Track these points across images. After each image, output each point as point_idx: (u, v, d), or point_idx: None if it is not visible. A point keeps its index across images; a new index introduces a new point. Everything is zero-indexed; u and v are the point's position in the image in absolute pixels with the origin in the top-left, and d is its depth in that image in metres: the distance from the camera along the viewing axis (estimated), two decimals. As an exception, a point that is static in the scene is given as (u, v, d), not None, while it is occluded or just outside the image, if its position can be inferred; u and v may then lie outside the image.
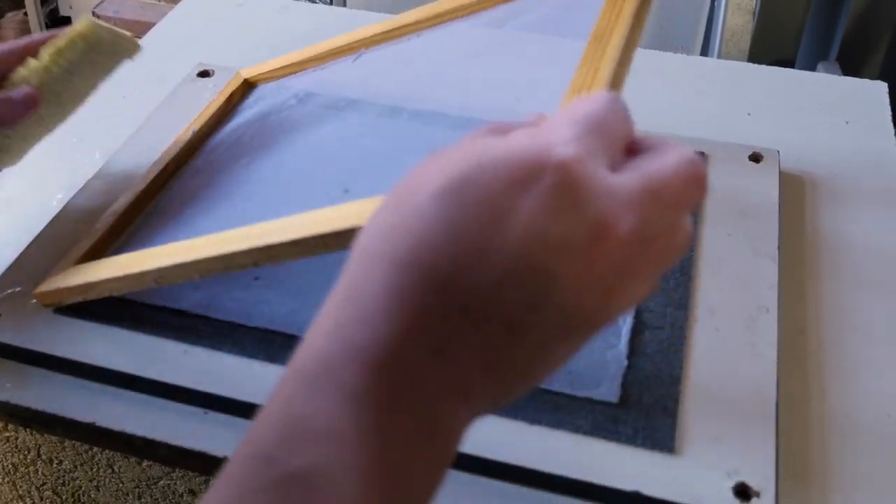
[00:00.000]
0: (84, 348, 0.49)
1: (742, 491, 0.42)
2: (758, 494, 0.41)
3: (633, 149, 0.28)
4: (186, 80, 0.69)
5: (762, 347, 0.48)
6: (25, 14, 1.24)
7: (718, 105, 0.69)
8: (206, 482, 0.51)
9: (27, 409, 0.48)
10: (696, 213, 0.57)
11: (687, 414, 0.45)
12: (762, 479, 0.42)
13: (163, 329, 0.50)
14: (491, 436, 0.44)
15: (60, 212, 0.58)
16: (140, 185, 0.56)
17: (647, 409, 0.45)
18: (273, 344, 0.49)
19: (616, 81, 0.42)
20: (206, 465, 0.46)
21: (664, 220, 0.27)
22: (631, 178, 0.26)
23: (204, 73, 0.70)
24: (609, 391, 0.46)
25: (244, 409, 0.46)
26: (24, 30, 1.24)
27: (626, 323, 0.50)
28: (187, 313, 0.50)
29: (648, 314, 0.50)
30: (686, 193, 0.27)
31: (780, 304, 0.51)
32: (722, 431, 0.45)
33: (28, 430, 0.51)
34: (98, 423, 0.47)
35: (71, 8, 1.36)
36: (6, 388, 0.48)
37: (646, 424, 0.45)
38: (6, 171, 0.58)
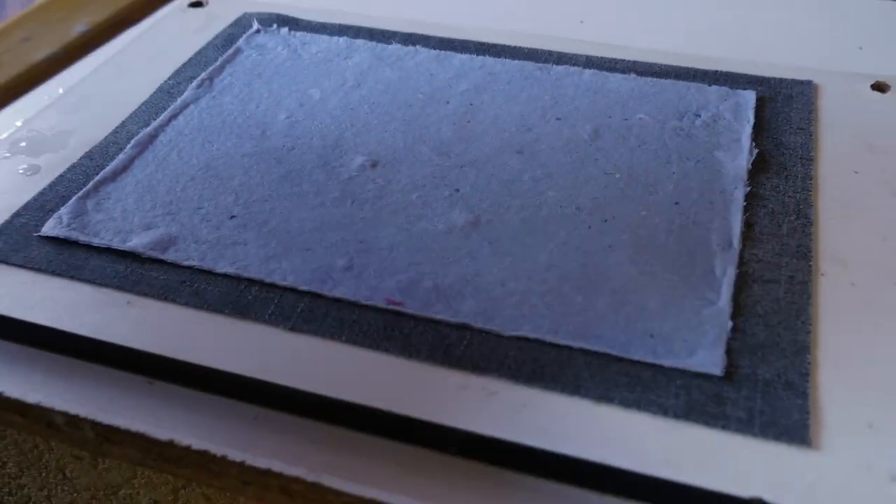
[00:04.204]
0: (-3, 297, 0.37)
1: (921, 502, 0.28)
2: (948, 507, 0.28)
3: None
4: (174, 10, 0.58)
5: (922, 307, 0.35)
6: None
7: (822, 38, 0.56)
8: (175, 492, 0.38)
9: (-82, 375, 0.36)
10: (810, 149, 0.44)
11: (823, 392, 0.32)
12: (949, 486, 0.28)
13: (103, 275, 0.37)
14: (543, 418, 0.31)
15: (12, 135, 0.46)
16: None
17: (764, 384, 0.32)
18: (245, 295, 0.36)
19: None
20: (146, 451, 0.33)
21: None
22: None
23: (196, 3, 0.59)
24: (709, 360, 0.33)
25: (201, 378, 0.34)
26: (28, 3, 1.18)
27: (726, 275, 0.36)
28: (137, 256, 0.38)
29: (757, 264, 0.37)
30: None
31: (935, 256, 0.37)
32: (877, 416, 0.31)
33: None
34: (6, 394, 0.35)
35: None
36: None
37: (765, 405, 0.31)
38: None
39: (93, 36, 0.31)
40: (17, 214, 0.41)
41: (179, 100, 0.48)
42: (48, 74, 0.31)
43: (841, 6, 0.61)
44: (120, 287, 0.37)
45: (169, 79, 0.51)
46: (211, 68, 0.51)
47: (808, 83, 0.48)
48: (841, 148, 0.44)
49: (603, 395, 0.32)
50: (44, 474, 0.42)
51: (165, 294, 0.36)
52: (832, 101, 0.47)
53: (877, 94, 0.48)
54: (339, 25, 0.55)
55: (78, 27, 0.31)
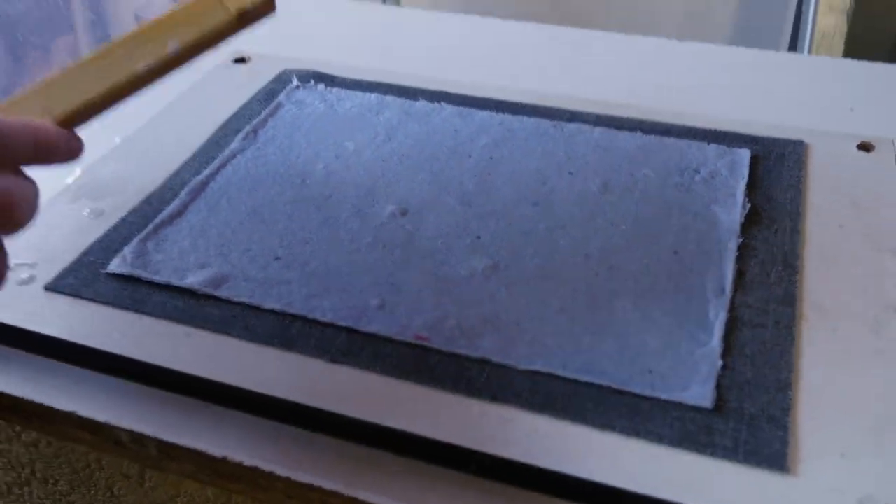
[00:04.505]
0: (70, 328, 0.41)
1: (882, 522, 0.32)
2: (905, 527, 0.32)
3: None
4: (220, 66, 0.63)
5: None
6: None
7: (815, 100, 0.61)
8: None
9: (2, 395, 0.40)
10: (799, 204, 0.48)
11: (802, 425, 0.36)
12: (908, 509, 0.32)
13: (163, 309, 0.42)
14: (553, 443, 0.35)
15: (66, 188, 0.51)
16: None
17: (749, 417, 0.36)
18: (290, 330, 0.41)
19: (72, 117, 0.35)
20: (201, 466, 0.38)
21: None
22: None
23: (240, 60, 0.64)
24: (701, 395, 0.37)
25: (252, 402, 0.38)
26: (75, 54, 1.23)
27: (718, 318, 0.41)
28: (193, 293, 0.43)
29: (746, 309, 0.41)
30: None
31: (909, 305, 0.42)
32: (848, 447, 0.35)
33: (20, 440, 0.44)
34: (79, 413, 0.39)
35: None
36: (-22, 369, 0.41)
37: (749, 436, 0.35)
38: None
39: (182, 54, 0.37)
40: (85, 253, 0.46)
41: (228, 150, 0.53)
42: (145, 83, 0.37)
43: (836, 68, 0.66)
44: (179, 320, 0.42)
45: (217, 130, 0.56)
46: (255, 121, 0.56)
47: (800, 143, 0.53)
48: (827, 204, 0.48)
49: (606, 423, 0.36)
50: (93, 492, 0.46)
51: (219, 327, 0.41)
52: (821, 159, 0.52)
53: (862, 153, 0.52)
54: (371, 83, 0.60)
55: (171, 46, 0.37)
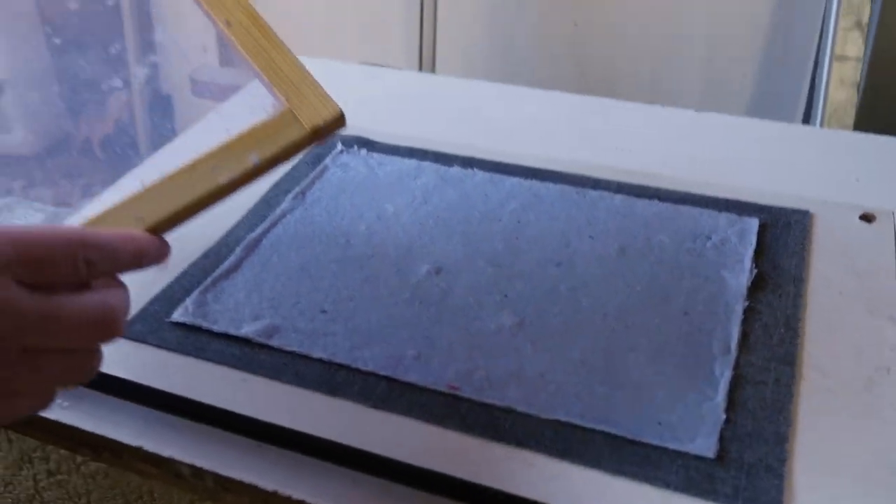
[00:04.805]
0: (138, 371, 0.46)
1: (866, 565, 0.35)
2: (886, 569, 0.35)
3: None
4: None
5: (887, 410, 0.42)
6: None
7: (823, 170, 0.65)
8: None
9: (76, 430, 0.45)
10: (802, 271, 0.52)
11: (796, 475, 0.40)
12: (890, 554, 0.36)
13: (222, 356, 0.47)
14: (570, 486, 0.39)
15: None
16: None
17: (748, 467, 0.40)
18: (335, 377, 0.45)
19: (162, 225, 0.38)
20: (254, 498, 0.42)
21: (56, 343, 0.31)
22: (37, 299, 0.31)
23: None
24: (705, 446, 0.41)
25: (300, 442, 0.43)
26: (129, 109, 1.31)
27: (723, 375, 0.44)
28: (248, 341, 0.48)
29: (749, 368, 0.45)
30: (88, 332, 0.32)
31: (902, 367, 0.45)
32: (839, 497, 0.38)
33: (79, 472, 0.49)
34: (146, 448, 0.44)
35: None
36: (56, 406, 0.46)
37: (748, 484, 0.39)
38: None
39: (263, 166, 0.40)
40: (151, 303, 0.51)
41: (278, 210, 0.59)
42: (227, 193, 0.40)
43: (844, 141, 0.70)
44: (236, 367, 0.46)
45: (269, 190, 0.61)
46: (303, 183, 0.61)
47: (805, 212, 0.57)
48: (829, 271, 0.52)
49: (618, 469, 0.40)
50: (143, 522, 0.50)
51: (272, 374, 0.46)
52: (825, 229, 0.56)
53: (864, 223, 0.56)
54: (409, 149, 0.65)
55: (252, 159, 0.39)
